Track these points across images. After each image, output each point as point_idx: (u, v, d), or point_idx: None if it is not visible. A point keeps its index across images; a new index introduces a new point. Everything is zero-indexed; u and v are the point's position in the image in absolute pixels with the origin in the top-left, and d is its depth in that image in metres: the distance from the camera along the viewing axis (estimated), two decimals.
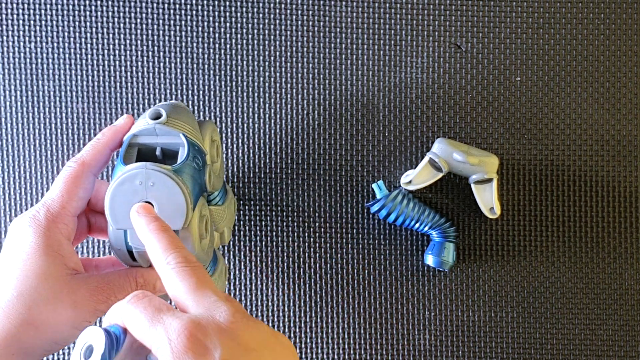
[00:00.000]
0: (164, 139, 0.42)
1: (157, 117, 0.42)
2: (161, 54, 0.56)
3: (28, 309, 0.37)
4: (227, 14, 0.56)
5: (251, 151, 0.57)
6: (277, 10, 0.56)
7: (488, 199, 0.54)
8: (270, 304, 0.57)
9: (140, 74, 0.56)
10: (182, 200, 0.40)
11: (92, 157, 0.42)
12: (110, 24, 0.56)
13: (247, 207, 0.57)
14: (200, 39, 0.56)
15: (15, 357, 0.37)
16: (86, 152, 0.42)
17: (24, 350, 0.37)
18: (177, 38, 0.56)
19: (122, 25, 0.56)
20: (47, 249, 0.38)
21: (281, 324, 0.57)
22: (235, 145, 0.56)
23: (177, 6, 0.56)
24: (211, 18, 0.56)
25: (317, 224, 0.57)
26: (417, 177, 0.54)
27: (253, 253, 0.57)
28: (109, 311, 0.31)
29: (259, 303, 0.57)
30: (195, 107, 0.56)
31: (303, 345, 0.57)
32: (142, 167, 0.39)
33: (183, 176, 0.40)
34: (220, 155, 0.49)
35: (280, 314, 0.57)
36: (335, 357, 0.57)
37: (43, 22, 0.56)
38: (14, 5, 0.56)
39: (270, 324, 0.57)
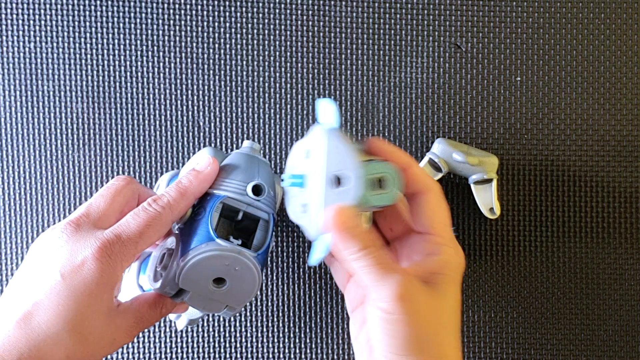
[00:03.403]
0: (254, 210, 0.42)
1: (258, 191, 0.42)
2: (161, 54, 0.56)
3: (76, 343, 0.36)
4: (228, 14, 0.56)
5: None
6: (277, 10, 0.57)
7: (488, 199, 0.54)
8: (270, 303, 0.57)
9: (140, 74, 0.56)
10: (252, 291, 0.41)
11: (179, 207, 0.40)
12: (111, 24, 0.56)
13: None
14: (200, 39, 0.56)
15: None
16: (173, 199, 0.40)
17: None
18: (178, 38, 0.56)
19: (122, 25, 0.56)
20: (109, 285, 0.37)
21: (281, 324, 0.57)
22: (235, 146, 0.56)
23: (178, 6, 0.56)
24: (211, 18, 0.56)
25: None
26: None
27: None
28: None
29: (260, 302, 0.57)
30: (195, 107, 0.56)
31: (303, 345, 0.57)
32: (237, 252, 0.39)
33: (262, 257, 0.41)
34: None
35: (280, 313, 0.57)
36: (336, 357, 0.57)
37: (43, 22, 0.56)
38: (14, 5, 0.56)
39: (270, 323, 0.57)
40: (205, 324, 0.57)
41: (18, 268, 0.39)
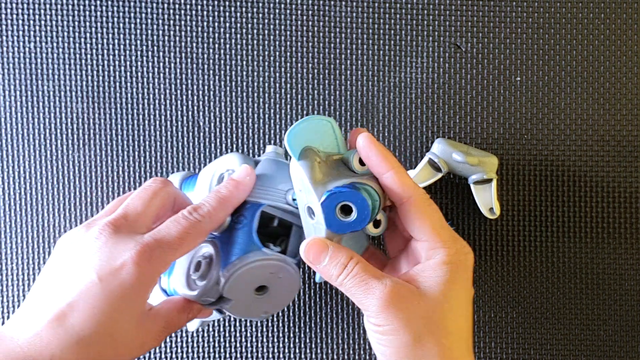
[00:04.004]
0: (290, 217, 0.42)
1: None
2: (161, 54, 0.56)
3: (107, 348, 0.35)
4: (228, 14, 0.57)
5: (251, 151, 0.57)
6: (277, 10, 0.57)
7: (487, 199, 0.54)
8: None
9: (140, 74, 0.56)
10: (292, 296, 0.42)
11: (219, 216, 0.40)
12: (111, 24, 0.56)
13: None
14: (200, 39, 0.56)
15: None
16: (213, 208, 0.39)
17: None
18: (178, 38, 0.56)
19: (122, 25, 0.56)
20: (145, 290, 0.36)
21: (281, 324, 0.57)
22: (235, 146, 0.56)
23: (178, 6, 0.56)
24: (211, 18, 0.56)
25: None
26: (417, 177, 0.54)
27: None
28: None
29: None
30: (195, 107, 0.56)
31: (303, 345, 0.57)
32: (282, 260, 0.40)
33: (298, 263, 0.42)
34: None
35: (281, 313, 0.57)
36: (335, 357, 0.57)
37: (43, 22, 0.56)
38: (14, 5, 0.56)
39: (270, 323, 0.57)
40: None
41: (46, 265, 0.38)
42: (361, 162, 0.40)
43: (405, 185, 0.39)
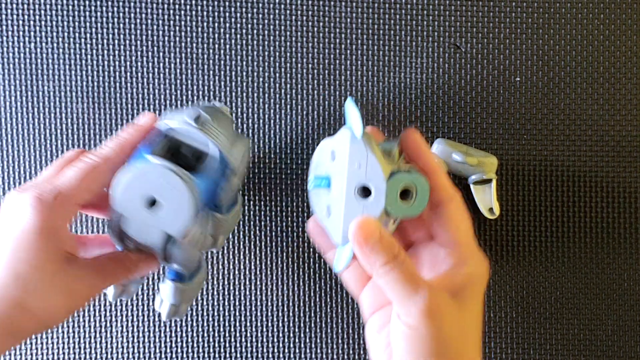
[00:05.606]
0: (198, 143, 0.42)
1: (197, 119, 0.42)
2: (161, 54, 0.56)
3: (23, 292, 0.36)
4: (228, 14, 0.57)
5: (251, 151, 0.57)
6: (277, 11, 0.57)
7: (487, 200, 0.54)
8: (271, 302, 0.57)
9: (140, 74, 0.56)
10: (189, 212, 0.39)
11: (116, 155, 0.41)
12: (111, 24, 0.56)
13: (249, 206, 0.57)
14: (201, 39, 0.56)
15: (3, 337, 0.36)
16: (110, 149, 0.41)
17: (14, 331, 0.37)
18: (178, 38, 0.56)
19: (122, 25, 0.56)
20: (47, 231, 0.37)
21: (281, 324, 0.57)
22: None
23: (178, 6, 0.56)
24: (212, 18, 0.56)
25: None
26: None
27: (256, 250, 0.57)
28: None
29: (260, 302, 0.57)
30: None
31: (302, 345, 0.57)
32: (167, 167, 0.39)
33: (201, 187, 0.40)
34: (244, 173, 0.49)
35: (281, 313, 0.57)
36: (335, 356, 0.57)
37: (43, 22, 0.56)
38: (14, 6, 0.56)
39: (269, 323, 0.57)
40: (205, 324, 0.57)
41: None
42: (399, 153, 0.40)
43: (451, 185, 0.39)
